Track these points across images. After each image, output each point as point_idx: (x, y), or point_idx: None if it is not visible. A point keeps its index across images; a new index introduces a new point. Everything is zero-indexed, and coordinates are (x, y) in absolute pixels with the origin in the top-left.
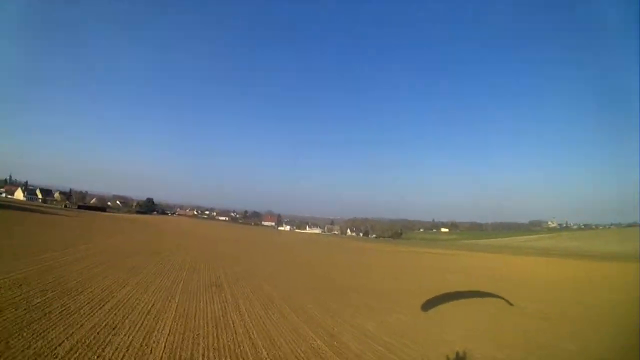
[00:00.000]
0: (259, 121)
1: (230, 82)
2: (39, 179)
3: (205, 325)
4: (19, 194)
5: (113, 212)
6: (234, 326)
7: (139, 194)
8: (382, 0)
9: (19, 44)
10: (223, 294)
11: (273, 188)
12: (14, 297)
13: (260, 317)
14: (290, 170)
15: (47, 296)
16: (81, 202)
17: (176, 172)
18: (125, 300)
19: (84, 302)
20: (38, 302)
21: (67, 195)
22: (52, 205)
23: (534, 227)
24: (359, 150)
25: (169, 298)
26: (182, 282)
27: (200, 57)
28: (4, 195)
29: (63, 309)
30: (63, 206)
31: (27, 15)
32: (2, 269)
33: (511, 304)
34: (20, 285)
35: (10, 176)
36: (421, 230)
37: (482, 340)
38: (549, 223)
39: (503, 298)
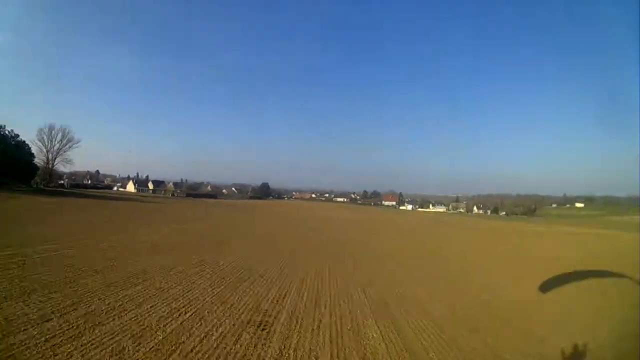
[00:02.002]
0: (378, 101)
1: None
2: (169, 177)
3: None
4: (130, 187)
5: (224, 199)
6: None
7: (259, 182)
8: None
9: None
10: None
11: (393, 167)
12: None
13: None
14: (410, 148)
15: None
16: (192, 191)
17: (295, 157)
18: None
19: None
20: None
21: (179, 185)
22: (160, 195)
23: None
24: (478, 124)
25: None
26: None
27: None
28: (115, 189)
29: None
30: (170, 195)
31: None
32: None
33: None
34: None
35: (138, 174)
36: (554, 205)
37: None
38: None
39: None
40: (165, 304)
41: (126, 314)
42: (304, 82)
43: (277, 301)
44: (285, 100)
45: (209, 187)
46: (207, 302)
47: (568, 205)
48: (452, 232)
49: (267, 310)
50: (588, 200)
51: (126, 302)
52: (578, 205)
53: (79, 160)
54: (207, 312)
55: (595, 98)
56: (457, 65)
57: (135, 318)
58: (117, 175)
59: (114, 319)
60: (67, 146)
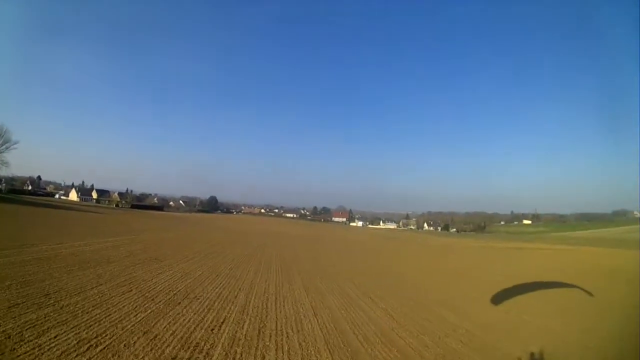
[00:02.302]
0: (328, 120)
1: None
2: (117, 187)
3: None
4: (73, 195)
5: (171, 212)
6: None
7: (208, 196)
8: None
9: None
10: None
11: (343, 185)
12: None
13: None
14: (360, 166)
15: None
16: (138, 202)
17: (245, 171)
18: None
19: None
20: None
21: (124, 195)
22: (103, 205)
23: (617, 217)
24: (428, 143)
25: None
26: None
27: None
28: (57, 196)
29: None
30: (114, 205)
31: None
32: None
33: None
34: None
35: (83, 182)
36: (502, 222)
37: None
38: (635, 213)
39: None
40: (74, 332)
41: (22, 346)
42: (253, 96)
43: (213, 330)
44: (235, 115)
45: (155, 199)
46: (126, 331)
47: (516, 223)
48: (405, 248)
49: (198, 342)
50: (535, 217)
51: (26, 330)
52: (526, 222)
53: (22, 164)
54: (124, 344)
55: (542, 120)
56: (402, 80)
57: (32, 352)
58: (62, 183)
59: (3, 354)
60: (4, 147)
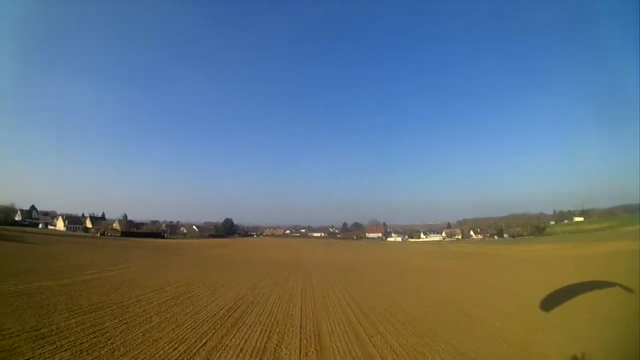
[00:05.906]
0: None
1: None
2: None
3: None
4: (60, 224)
5: (176, 239)
6: None
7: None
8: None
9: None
10: None
11: (372, 198)
12: None
13: None
14: (388, 177)
15: None
16: (135, 230)
17: (267, 191)
18: None
19: None
20: None
21: (122, 223)
22: (87, 235)
23: None
24: (457, 147)
25: None
26: None
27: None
28: (40, 226)
29: None
30: (99, 234)
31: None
32: None
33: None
34: None
35: (103, 213)
36: (552, 222)
37: None
38: None
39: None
40: None
41: None
42: (274, 115)
43: None
44: (253, 138)
45: (163, 226)
46: None
47: (566, 221)
48: (511, 273)
49: None
50: (584, 213)
51: None
52: (577, 219)
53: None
54: None
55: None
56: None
57: None
58: (83, 214)
59: None
60: None
